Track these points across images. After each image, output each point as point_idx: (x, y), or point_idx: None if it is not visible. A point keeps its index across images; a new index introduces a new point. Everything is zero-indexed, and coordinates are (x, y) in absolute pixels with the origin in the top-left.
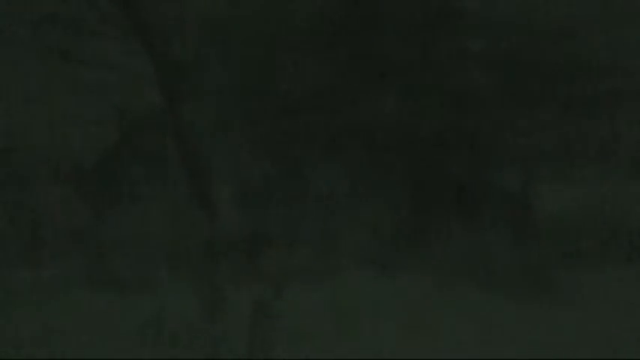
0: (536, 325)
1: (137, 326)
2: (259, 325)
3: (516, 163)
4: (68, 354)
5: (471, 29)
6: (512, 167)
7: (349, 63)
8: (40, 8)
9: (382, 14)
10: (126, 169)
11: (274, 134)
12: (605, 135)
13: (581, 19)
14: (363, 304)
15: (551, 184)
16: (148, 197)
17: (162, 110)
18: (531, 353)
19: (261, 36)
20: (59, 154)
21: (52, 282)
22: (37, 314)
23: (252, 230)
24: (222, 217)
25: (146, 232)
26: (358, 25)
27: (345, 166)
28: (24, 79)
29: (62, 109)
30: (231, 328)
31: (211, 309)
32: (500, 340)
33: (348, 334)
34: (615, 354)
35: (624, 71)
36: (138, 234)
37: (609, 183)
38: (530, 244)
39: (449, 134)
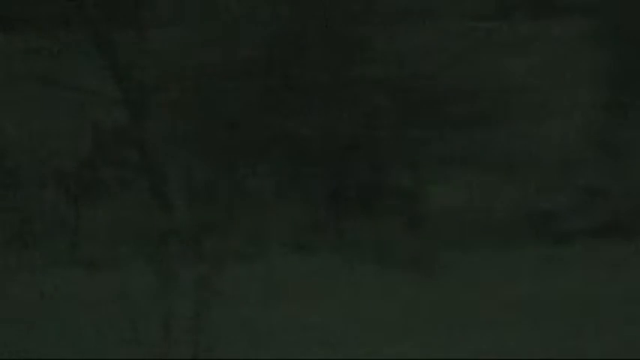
0: (424, 294)
1: (106, 296)
2: (203, 295)
3: (410, 168)
4: (54, 316)
5: (377, 59)
6: (406, 171)
7: (280, 86)
8: (28, 44)
9: (306, 46)
10: (98, 173)
11: (216, 145)
12: (481, 146)
13: (469, 51)
14: (286, 277)
15: (438, 185)
16: (116, 195)
17: (127, 126)
18: (418, 316)
19: (209, 65)
20: (45, 161)
21: (40, 260)
22: (29, 284)
23: (197, 220)
24: (174, 210)
25: (114, 222)
26: (288, 56)
27: (272, 169)
28: (15, 99)
29: (47, 124)
30: (180, 297)
31: (165, 282)
32: (394, 307)
33: (274, 301)
34: (478, 315)
35: (496, 94)
36: (108, 224)
37: (484, 184)
38: (419, 232)
39: (357, 144)
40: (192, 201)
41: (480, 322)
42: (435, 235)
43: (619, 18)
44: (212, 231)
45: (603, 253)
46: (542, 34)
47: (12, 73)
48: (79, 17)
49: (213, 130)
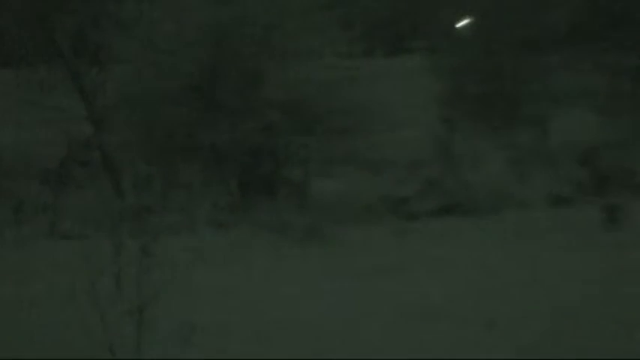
0: (313, 257)
1: (75, 259)
2: (145, 260)
3: (300, 166)
4: (38, 278)
5: (274, 86)
6: (298, 168)
7: (204, 107)
8: (20, 76)
9: (222, 77)
10: (72, 170)
11: (158, 150)
12: (354, 150)
13: (342, 80)
14: (209, 247)
15: (322, 178)
16: (85, 187)
17: (92, 136)
18: (310, 272)
19: (152, 91)
20: (33, 161)
21: (29, 235)
22: (20, 254)
23: (142, 205)
24: (126, 197)
25: (83, 206)
26: (209, 84)
27: (200, 167)
28: (9, 117)
29: (33, 134)
30: (128, 262)
31: (117, 250)
32: (292, 266)
33: (200, 265)
34: (354, 271)
35: (363, 112)
36: (79, 207)
37: (356, 178)
38: (309, 212)
39: (260, 149)
40: (139, 190)
41: (355, 276)
42: (320, 215)
43: (452, 56)
44: (153, 212)
45: (441, 227)
46: (395, 68)
47: (7, 98)
48: (56, 56)
49: (154, 139)
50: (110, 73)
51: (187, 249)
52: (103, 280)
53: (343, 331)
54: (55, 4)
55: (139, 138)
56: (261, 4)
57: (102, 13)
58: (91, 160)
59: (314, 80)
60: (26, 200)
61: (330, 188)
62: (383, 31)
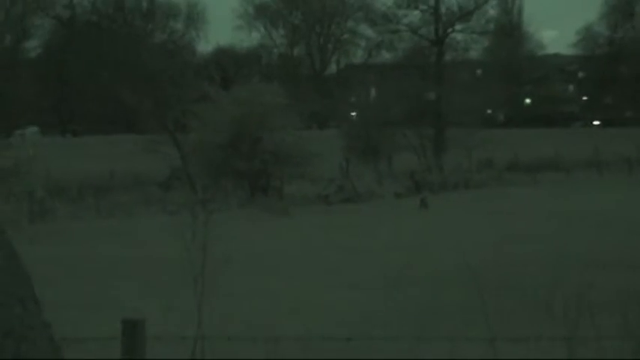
0: (283, 226)
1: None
2: (207, 225)
3: (279, 179)
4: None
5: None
6: (278, 180)
7: (234, 153)
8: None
9: (241, 139)
10: (172, 182)
11: (212, 172)
12: (304, 172)
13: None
14: (237, 217)
15: (289, 185)
16: (178, 189)
17: (181, 165)
18: (280, 234)
19: (208, 145)
20: (155, 177)
21: (154, 212)
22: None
23: (204, 198)
24: (197, 194)
25: (177, 199)
26: (237, 141)
27: (232, 181)
28: (143, 158)
29: (155, 165)
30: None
31: (193, 220)
32: (272, 228)
33: (234, 225)
34: (308, 234)
35: (307, 154)
36: (175, 199)
37: (304, 185)
38: (283, 202)
39: (260, 172)
40: (203, 191)
41: (305, 231)
42: (288, 203)
43: (349, 129)
44: (210, 201)
45: (344, 208)
46: (323, 135)
47: (137, 148)
48: (164, 126)
49: (210, 167)
50: (189, 136)
51: (227, 218)
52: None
53: (296, 256)
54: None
55: (203, 167)
56: (259, 106)
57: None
58: (181, 177)
59: (285, 141)
60: (151, 196)
61: (293, 190)
62: (316, 117)
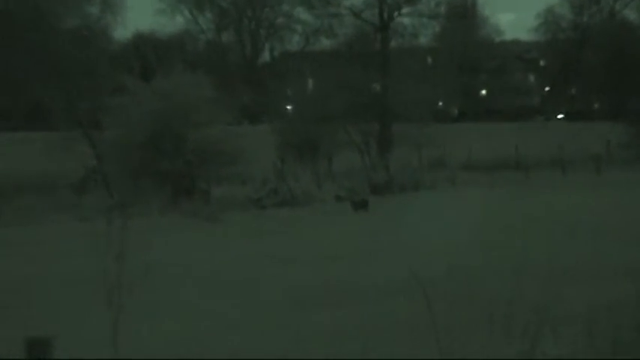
0: (213, 232)
1: (90, 232)
2: (123, 232)
3: (206, 180)
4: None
5: None
6: (204, 182)
7: (155, 152)
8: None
9: (164, 136)
10: (86, 183)
11: (130, 172)
12: (234, 173)
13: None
14: (157, 225)
15: (218, 187)
16: (93, 192)
17: (96, 165)
18: (212, 237)
19: (126, 143)
20: (68, 177)
21: (65, 219)
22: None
23: (121, 201)
24: (113, 197)
25: (92, 202)
26: (159, 140)
27: (153, 182)
28: (55, 155)
29: (69, 164)
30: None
31: (109, 226)
32: (199, 236)
33: (153, 234)
34: (232, 237)
35: (238, 151)
36: (90, 203)
37: (234, 188)
38: (210, 206)
39: (185, 173)
40: (120, 194)
41: (233, 238)
42: (216, 207)
43: (282, 125)
44: (128, 205)
45: (278, 213)
46: (255, 131)
47: (49, 146)
48: (78, 124)
49: (128, 167)
50: (105, 133)
51: (148, 225)
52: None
53: (224, 267)
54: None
55: (121, 167)
56: (183, 99)
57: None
58: (96, 178)
59: (213, 138)
60: (63, 200)
61: (222, 193)
62: (247, 112)
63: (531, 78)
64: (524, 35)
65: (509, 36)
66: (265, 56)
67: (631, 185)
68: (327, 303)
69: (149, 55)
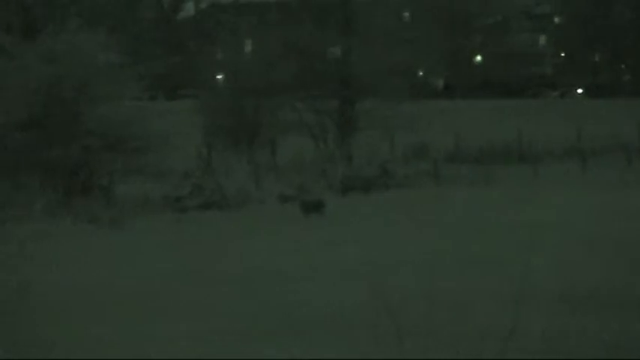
0: (116, 243)
1: None
2: None
3: (107, 174)
4: None
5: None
6: (106, 176)
7: (41, 136)
8: None
9: (53, 113)
10: None
11: (6, 164)
12: (145, 164)
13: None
14: (43, 233)
15: (123, 184)
16: None
17: None
18: (112, 253)
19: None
20: None
21: None
22: None
23: None
24: None
25: None
26: (46, 119)
27: (38, 176)
28: None
29: None
30: None
31: None
32: (99, 248)
33: (32, 245)
34: (138, 246)
35: (152, 138)
36: None
37: (145, 184)
38: (113, 208)
39: (80, 163)
40: None
41: (143, 251)
42: (121, 209)
43: (210, 100)
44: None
45: (203, 217)
46: (172, 108)
47: None
48: None
49: (3, 157)
50: None
51: (30, 232)
52: None
53: (129, 289)
54: None
55: None
56: (79, 64)
57: None
58: None
59: (118, 116)
60: None
61: (128, 190)
62: (164, 83)
63: (542, 40)
64: None
65: None
66: (189, 9)
67: None
68: (265, 337)
69: (35, 6)
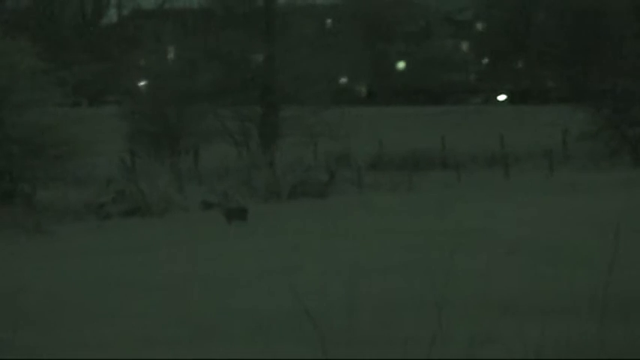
0: (39, 248)
1: None
2: None
3: (30, 181)
4: None
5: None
6: (28, 183)
7: None
8: None
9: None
10: None
11: None
12: (66, 170)
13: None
14: None
15: (44, 190)
16: None
17: None
18: (34, 259)
19: None
20: None
21: None
22: None
23: None
24: None
25: None
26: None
27: None
28: None
29: None
30: None
31: None
32: (22, 254)
33: None
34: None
35: (67, 146)
36: None
37: (70, 190)
38: (35, 215)
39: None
40: None
41: (63, 257)
42: (44, 214)
43: (133, 106)
44: None
45: (126, 224)
46: (95, 114)
47: None
48: None
49: None
50: None
51: None
52: None
53: (51, 298)
54: None
55: None
56: (1, 71)
57: None
58: None
59: (41, 123)
60: None
61: (51, 197)
62: (87, 89)
63: (464, 47)
64: None
65: None
66: (111, 15)
67: (593, 189)
68: (199, 342)
69: None
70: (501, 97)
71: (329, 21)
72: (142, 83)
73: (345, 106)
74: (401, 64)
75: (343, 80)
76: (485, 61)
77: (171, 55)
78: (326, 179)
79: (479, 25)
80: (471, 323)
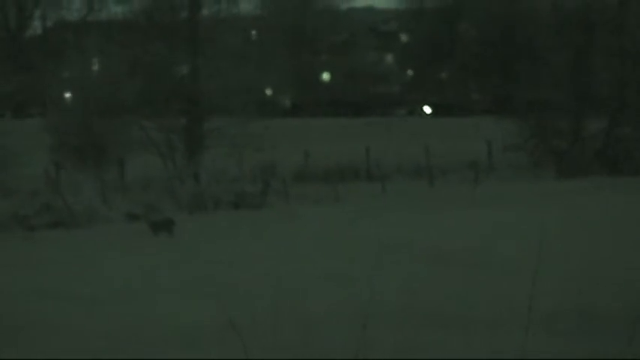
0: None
1: None
2: None
3: None
4: None
5: None
6: None
7: None
8: None
9: None
10: None
11: None
12: None
13: None
14: None
15: None
16: None
17: None
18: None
19: None
20: None
21: None
22: None
23: None
24: None
25: None
26: None
27: None
28: None
29: None
30: None
31: None
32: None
33: None
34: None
35: None
36: None
37: None
38: None
39: None
40: None
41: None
42: None
43: (58, 119)
44: None
45: (51, 236)
46: (20, 127)
47: None
48: None
49: None
50: None
51: None
52: None
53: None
54: None
55: None
56: None
57: None
58: None
59: None
60: None
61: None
62: (11, 101)
63: (389, 58)
64: (381, 2)
65: (360, 3)
66: (36, 27)
67: (518, 200)
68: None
69: None
70: (426, 109)
71: (254, 32)
72: (66, 95)
73: (270, 118)
74: (326, 76)
75: (268, 92)
76: (410, 72)
77: (95, 67)
78: (252, 190)
79: (403, 37)
80: (394, 334)
